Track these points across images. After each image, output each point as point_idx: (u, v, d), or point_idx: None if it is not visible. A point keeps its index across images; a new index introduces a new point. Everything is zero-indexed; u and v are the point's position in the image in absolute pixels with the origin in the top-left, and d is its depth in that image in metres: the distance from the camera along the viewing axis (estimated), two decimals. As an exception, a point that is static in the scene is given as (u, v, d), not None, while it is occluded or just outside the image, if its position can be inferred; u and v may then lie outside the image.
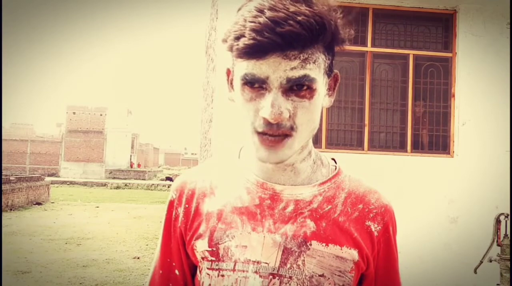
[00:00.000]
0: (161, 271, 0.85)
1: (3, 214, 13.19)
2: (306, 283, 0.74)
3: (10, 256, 7.67)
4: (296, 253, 0.74)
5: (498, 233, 3.76)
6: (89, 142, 44.52)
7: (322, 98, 0.74)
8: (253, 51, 0.66)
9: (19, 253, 8.10)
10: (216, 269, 0.76)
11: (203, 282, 0.78)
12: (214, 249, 0.76)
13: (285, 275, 0.74)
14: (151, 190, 29.24)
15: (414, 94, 5.01)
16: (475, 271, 3.78)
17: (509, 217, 3.77)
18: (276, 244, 0.75)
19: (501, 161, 4.85)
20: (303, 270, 0.74)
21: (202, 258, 0.78)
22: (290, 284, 0.73)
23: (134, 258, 8.00)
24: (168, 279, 0.84)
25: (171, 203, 0.83)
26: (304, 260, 0.74)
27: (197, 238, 0.79)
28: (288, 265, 0.74)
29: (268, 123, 0.68)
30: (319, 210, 0.77)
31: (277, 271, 0.74)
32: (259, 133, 0.70)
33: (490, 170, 4.84)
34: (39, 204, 17.08)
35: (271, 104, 0.67)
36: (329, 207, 0.78)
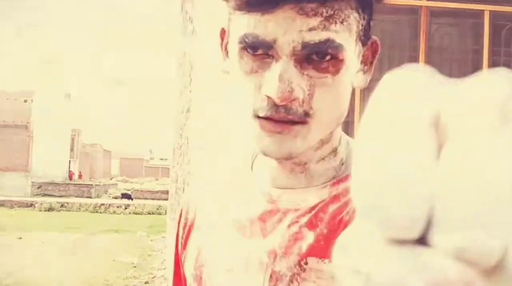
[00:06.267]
0: None
1: None
2: None
3: None
4: (287, 278, 0.76)
5: None
6: (8, 141, 44.75)
7: (352, 74, 0.75)
8: (257, 1, 0.67)
9: None
10: None
11: None
12: (198, 272, 0.86)
13: None
14: (100, 212, 29.43)
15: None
16: None
17: None
18: (262, 266, 0.78)
19: None
20: None
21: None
22: None
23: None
24: None
25: None
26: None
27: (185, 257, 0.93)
28: None
29: (273, 105, 0.70)
30: (321, 213, 0.78)
31: None
32: (260, 118, 0.72)
33: None
34: None
35: (279, 78, 0.68)
36: (335, 206, 0.79)
